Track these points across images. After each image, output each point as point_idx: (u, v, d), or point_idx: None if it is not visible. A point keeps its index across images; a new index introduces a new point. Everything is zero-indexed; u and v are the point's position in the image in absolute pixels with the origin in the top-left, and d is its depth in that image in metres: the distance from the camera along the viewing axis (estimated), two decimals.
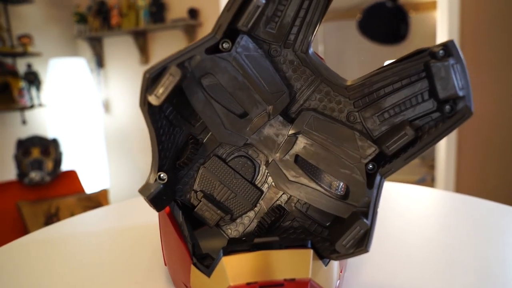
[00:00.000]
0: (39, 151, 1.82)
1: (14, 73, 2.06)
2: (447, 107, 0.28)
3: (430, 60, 0.28)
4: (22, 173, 1.78)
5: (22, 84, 2.10)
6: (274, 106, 0.33)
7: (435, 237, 0.48)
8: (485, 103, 1.82)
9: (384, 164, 0.31)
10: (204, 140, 0.35)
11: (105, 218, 0.65)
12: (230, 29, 0.30)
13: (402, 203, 0.64)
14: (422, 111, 0.30)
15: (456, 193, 0.66)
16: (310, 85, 0.34)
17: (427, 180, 3.09)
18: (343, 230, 0.29)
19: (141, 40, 2.54)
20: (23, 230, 1.70)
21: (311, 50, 0.33)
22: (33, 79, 2.14)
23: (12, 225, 1.69)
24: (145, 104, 0.28)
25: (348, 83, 0.33)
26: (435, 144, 0.29)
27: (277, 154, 0.34)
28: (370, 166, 0.32)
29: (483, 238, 0.47)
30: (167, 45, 2.56)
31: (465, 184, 1.96)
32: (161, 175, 0.32)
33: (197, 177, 0.36)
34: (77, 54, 2.63)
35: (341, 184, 0.33)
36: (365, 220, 0.29)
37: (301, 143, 0.33)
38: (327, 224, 0.35)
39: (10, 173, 2.00)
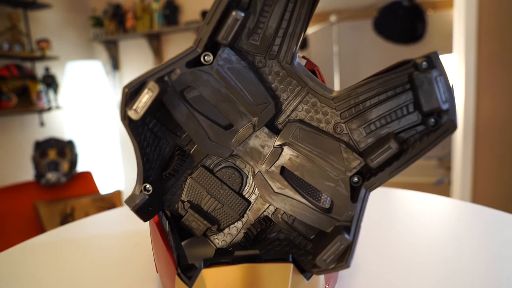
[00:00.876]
0: (56, 153, 1.87)
1: (32, 77, 2.11)
2: (431, 120, 0.28)
3: (413, 72, 0.28)
4: (39, 174, 1.83)
5: (40, 87, 2.16)
6: (259, 118, 0.33)
7: (441, 248, 0.47)
8: (502, 102, 1.77)
9: (369, 177, 0.31)
10: (191, 151, 0.36)
11: (116, 220, 0.67)
12: (211, 42, 0.30)
13: (411, 212, 0.63)
14: (407, 123, 0.29)
15: (466, 202, 0.64)
16: (297, 96, 0.33)
17: (445, 182, 3.02)
18: (324, 244, 0.29)
19: (155, 42, 2.57)
20: (40, 229, 1.75)
21: (296, 61, 0.33)
22: (50, 82, 2.19)
23: (30, 224, 1.74)
24: (125, 119, 0.28)
25: (335, 94, 0.32)
26: (420, 158, 0.28)
27: (263, 166, 0.34)
28: (355, 179, 0.31)
29: (495, 251, 0.45)
30: (180, 47, 2.58)
31: (482, 187, 1.91)
32: (147, 186, 0.32)
33: (184, 187, 0.36)
34: (93, 57, 2.69)
35: (327, 197, 0.33)
36: (346, 235, 0.28)
37: (287, 154, 0.33)
38: (312, 237, 0.34)
39: (28, 174, 2.06)
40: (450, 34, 2.14)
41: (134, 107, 0.28)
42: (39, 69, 2.24)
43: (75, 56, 2.52)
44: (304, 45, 3.55)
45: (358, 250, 0.45)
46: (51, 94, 2.24)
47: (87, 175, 2.00)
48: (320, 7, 3.89)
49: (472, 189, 1.95)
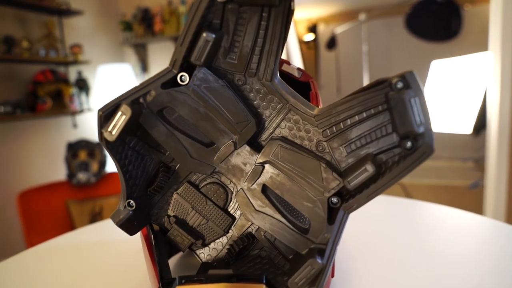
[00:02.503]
0: (86, 154, 1.95)
1: (65, 81, 2.21)
2: (408, 143, 0.26)
3: (389, 92, 0.27)
4: (71, 174, 1.92)
5: (73, 90, 2.26)
6: (240, 136, 0.33)
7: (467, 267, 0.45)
8: None
9: (348, 199, 0.30)
10: (177, 167, 0.36)
11: None
12: (187, 62, 0.30)
13: (440, 230, 0.60)
14: (386, 145, 0.28)
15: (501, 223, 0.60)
16: (279, 113, 0.33)
17: (480, 185, 2.88)
18: (298, 266, 0.28)
19: None
20: (71, 227, 1.83)
21: (277, 78, 0.32)
22: (82, 85, 2.29)
23: (62, 222, 1.83)
24: (102, 140, 0.29)
25: (316, 111, 0.32)
26: (397, 181, 0.27)
27: (245, 183, 0.34)
28: (335, 200, 0.30)
29: None
30: None
31: None
32: (130, 202, 0.33)
33: (170, 202, 0.37)
34: (123, 60, 2.78)
35: (307, 217, 0.32)
36: (319, 259, 0.28)
37: (268, 172, 0.33)
38: (290, 257, 0.34)
39: (62, 174, 2.16)
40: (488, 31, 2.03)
41: (109, 129, 0.29)
42: (72, 73, 2.34)
43: (105, 60, 2.62)
44: (332, 44, 3.49)
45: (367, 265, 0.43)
46: (83, 96, 2.34)
47: (115, 176, 2.07)
48: (348, 5, 3.81)
49: (507, 193, 1.85)
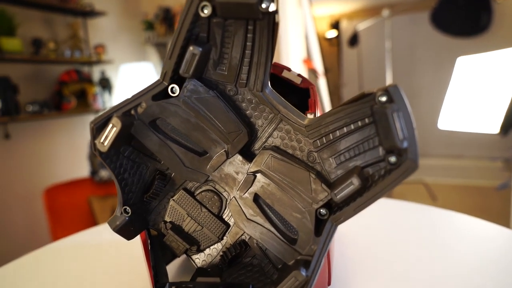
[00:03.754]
0: None
1: (89, 80, 2.28)
2: (392, 158, 0.26)
3: (374, 105, 0.26)
4: (93, 171, 1.98)
5: (96, 89, 2.33)
6: (231, 145, 0.33)
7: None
8: None
9: (336, 211, 0.29)
10: (173, 175, 0.37)
11: None
12: (177, 74, 0.30)
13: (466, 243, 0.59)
14: (372, 158, 0.28)
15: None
16: (271, 123, 0.33)
17: (509, 186, 2.77)
18: (283, 277, 0.28)
19: None
20: (94, 222, 1.89)
21: (268, 88, 0.32)
22: (105, 84, 2.35)
23: (84, 217, 1.89)
24: (95, 150, 0.30)
25: (306, 121, 0.31)
26: (383, 196, 0.27)
27: (238, 192, 0.34)
28: (323, 212, 0.30)
29: None
30: None
31: None
32: (126, 208, 0.34)
33: (167, 208, 0.37)
34: (145, 59, 2.83)
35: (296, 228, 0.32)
36: (303, 271, 0.28)
37: (260, 182, 0.33)
38: (279, 267, 0.34)
39: (86, 171, 2.24)
40: None
41: (101, 140, 0.30)
42: (95, 73, 2.41)
43: (128, 59, 2.68)
44: (355, 41, 3.43)
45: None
46: (106, 95, 2.41)
47: None
48: (372, 1, 3.73)
49: None
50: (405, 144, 0.25)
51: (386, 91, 0.25)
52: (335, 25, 4.24)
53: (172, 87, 0.31)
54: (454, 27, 3.20)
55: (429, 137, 3.72)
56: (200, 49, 0.29)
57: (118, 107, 0.31)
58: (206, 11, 0.28)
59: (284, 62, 2.50)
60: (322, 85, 2.59)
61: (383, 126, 0.26)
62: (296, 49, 2.55)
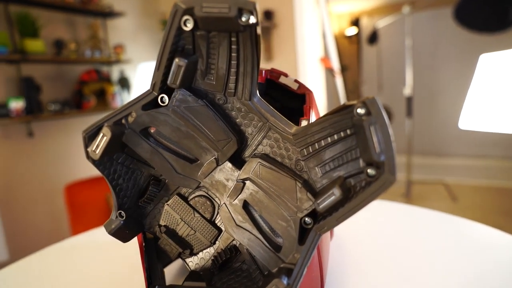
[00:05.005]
0: None
1: (108, 80, 2.34)
2: (371, 170, 0.26)
3: (354, 117, 0.26)
4: None
5: (115, 88, 2.38)
6: (221, 153, 0.33)
7: None
8: None
9: (320, 220, 0.29)
10: (167, 180, 0.37)
11: None
12: (166, 85, 0.31)
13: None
14: (353, 169, 0.28)
15: None
16: (260, 131, 0.33)
17: None
18: (266, 284, 0.29)
19: None
20: None
21: (256, 97, 0.32)
22: (124, 83, 2.40)
23: (102, 214, 1.94)
24: (88, 158, 0.31)
25: (293, 130, 0.32)
26: (363, 208, 0.27)
27: (228, 198, 0.35)
28: (308, 221, 0.30)
29: None
30: None
31: None
32: (121, 213, 0.35)
33: (162, 213, 0.38)
34: None
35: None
36: (284, 279, 0.28)
37: (249, 189, 0.33)
38: (265, 273, 0.34)
39: None
40: None
41: (93, 149, 0.31)
42: (114, 72, 2.46)
43: (146, 58, 2.73)
44: (374, 39, 3.37)
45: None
46: (124, 94, 2.46)
47: None
48: None
49: None
50: (382, 158, 0.24)
51: (363, 103, 0.25)
52: (355, 23, 4.18)
53: (162, 97, 0.32)
54: (479, 23, 3.09)
55: (451, 136, 3.63)
56: (186, 60, 0.29)
57: (109, 116, 0.32)
58: (189, 25, 0.28)
59: (300, 61, 2.49)
60: (339, 84, 2.56)
61: (361, 139, 0.25)
62: (313, 48, 2.53)
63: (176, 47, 0.30)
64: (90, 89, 2.24)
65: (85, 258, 0.57)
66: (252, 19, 0.26)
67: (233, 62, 0.30)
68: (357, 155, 0.27)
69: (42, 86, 2.08)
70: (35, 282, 0.51)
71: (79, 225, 1.83)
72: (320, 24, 2.56)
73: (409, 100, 2.75)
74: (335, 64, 2.59)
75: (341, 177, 0.28)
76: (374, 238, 0.56)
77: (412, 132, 3.52)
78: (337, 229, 0.58)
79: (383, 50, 3.85)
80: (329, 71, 2.67)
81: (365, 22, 4.12)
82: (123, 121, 0.32)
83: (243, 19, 0.26)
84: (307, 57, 2.49)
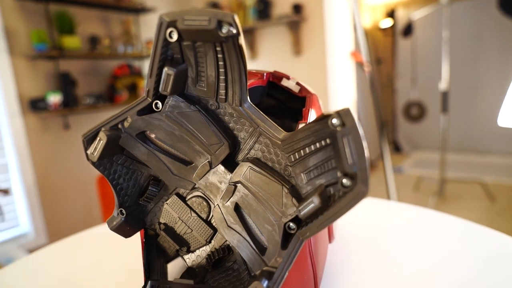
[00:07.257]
0: None
1: (139, 74, 2.41)
2: (346, 181, 0.26)
3: (330, 128, 0.26)
4: None
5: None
6: (214, 156, 0.34)
7: None
8: None
9: (303, 226, 0.30)
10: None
11: None
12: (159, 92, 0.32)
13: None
14: (332, 178, 0.28)
15: None
16: (252, 136, 0.34)
17: None
18: (247, 285, 0.29)
19: (249, 37, 2.67)
20: None
21: (247, 103, 0.33)
22: None
23: None
24: (88, 159, 0.34)
25: (282, 136, 0.32)
26: (340, 217, 0.27)
27: (221, 200, 0.36)
28: (292, 226, 0.31)
29: None
30: (272, 41, 2.63)
31: None
32: (122, 210, 0.37)
33: (162, 211, 0.40)
34: None
35: None
36: (264, 282, 0.28)
37: (240, 192, 0.34)
38: (252, 274, 0.35)
39: None
40: None
41: (91, 151, 0.33)
42: (146, 67, 2.53)
43: None
44: (408, 32, 3.25)
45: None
46: None
47: None
48: None
49: None
50: (354, 169, 0.24)
51: (338, 114, 0.25)
52: (391, 14, 4.04)
53: (156, 103, 0.33)
54: None
55: (490, 133, 3.45)
56: (175, 69, 0.30)
57: (106, 121, 0.34)
58: (174, 36, 0.29)
59: (329, 56, 2.45)
60: (370, 79, 2.50)
61: (336, 149, 0.25)
62: (343, 42, 2.48)
63: (165, 56, 0.31)
64: (123, 83, 2.32)
65: (114, 245, 0.61)
66: (232, 31, 0.27)
67: (221, 70, 0.31)
68: (335, 165, 0.27)
69: (78, 80, 2.18)
70: (69, 262, 0.56)
71: (110, 214, 1.92)
72: (351, 17, 2.50)
73: (445, 95, 2.63)
74: (366, 58, 2.52)
75: (322, 185, 0.28)
76: (372, 239, 0.55)
77: (448, 128, 3.38)
78: (337, 229, 0.57)
79: (418, 43, 3.71)
80: (360, 66, 2.60)
81: (401, 13, 3.97)
82: (119, 125, 0.34)
83: (223, 31, 0.27)
84: (337, 51, 2.45)
